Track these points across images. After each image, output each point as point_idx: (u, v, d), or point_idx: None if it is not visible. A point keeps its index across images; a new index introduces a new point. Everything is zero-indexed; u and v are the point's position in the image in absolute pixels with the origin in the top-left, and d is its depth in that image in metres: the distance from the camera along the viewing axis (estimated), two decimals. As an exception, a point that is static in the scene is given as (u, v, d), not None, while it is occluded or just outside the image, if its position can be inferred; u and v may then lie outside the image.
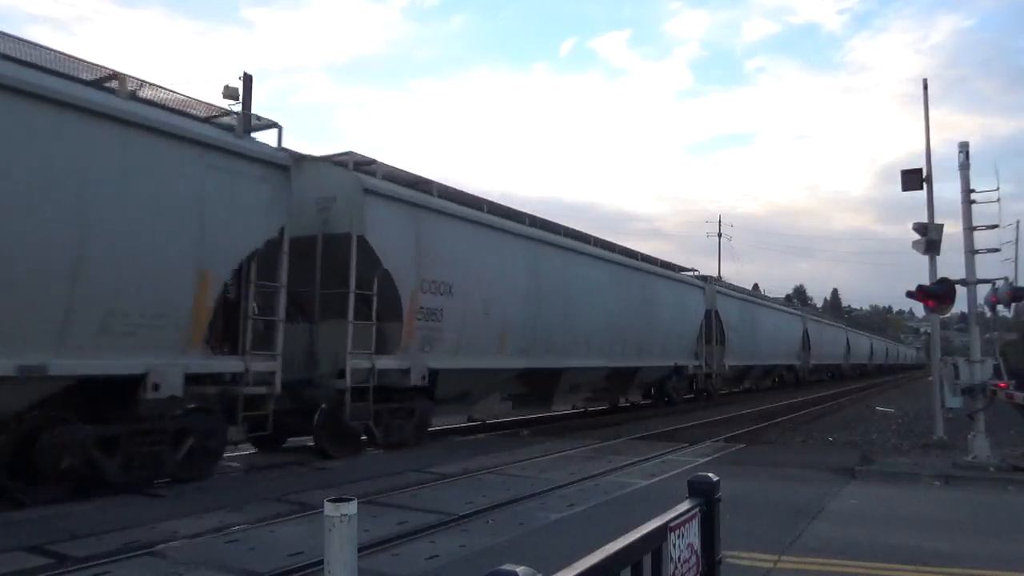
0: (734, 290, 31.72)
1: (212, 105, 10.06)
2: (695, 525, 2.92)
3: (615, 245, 21.13)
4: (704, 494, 3.06)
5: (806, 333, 41.22)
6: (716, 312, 26.76)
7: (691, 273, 27.12)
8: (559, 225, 18.19)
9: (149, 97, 9.12)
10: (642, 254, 22.71)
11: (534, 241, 16.43)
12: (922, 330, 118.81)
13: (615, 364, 19.79)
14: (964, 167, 11.44)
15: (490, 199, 15.94)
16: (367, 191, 11.93)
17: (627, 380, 21.74)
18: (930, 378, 15.71)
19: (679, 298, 24.08)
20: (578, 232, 19.10)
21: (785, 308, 41.90)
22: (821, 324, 48.24)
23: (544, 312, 16.27)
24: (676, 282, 24.44)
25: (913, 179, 13.82)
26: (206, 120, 9.88)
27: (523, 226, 16.49)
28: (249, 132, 10.28)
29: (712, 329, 26.51)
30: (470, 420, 17.17)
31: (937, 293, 11.93)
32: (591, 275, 18.59)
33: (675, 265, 25.70)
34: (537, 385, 17.47)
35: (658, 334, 22.13)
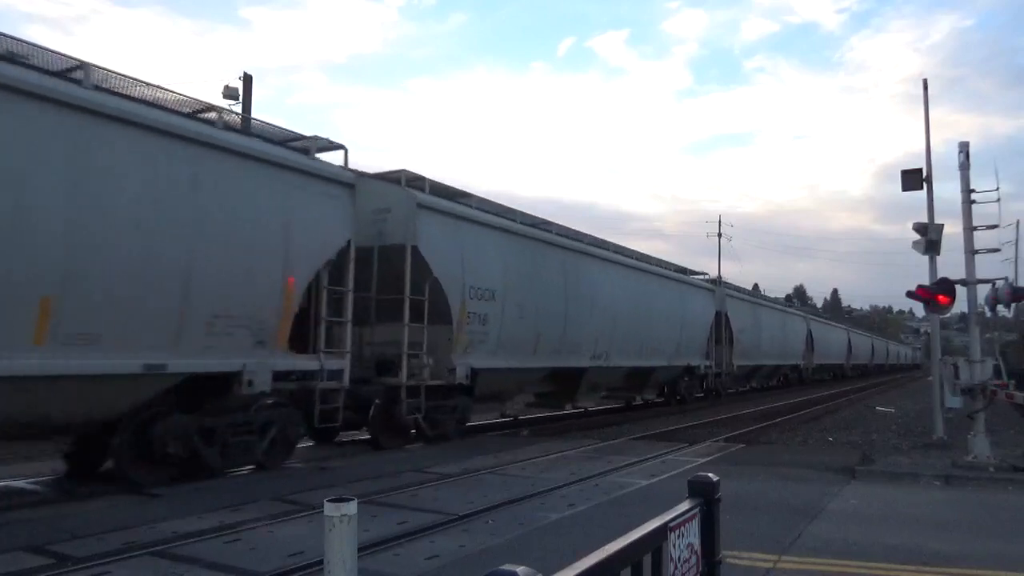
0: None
1: (284, 129, 10.95)
2: (695, 525, 2.92)
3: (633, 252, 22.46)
4: (704, 494, 3.07)
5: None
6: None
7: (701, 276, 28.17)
8: (577, 232, 19.34)
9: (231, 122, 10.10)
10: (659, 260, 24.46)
11: (568, 251, 17.88)
12: (922, 330, 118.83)
13: (632, 364, 20.67)
14: (964, 167, 11.43)
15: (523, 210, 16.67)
16: (420, 205, 12.98)
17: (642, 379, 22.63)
18: (929, 378, 15.69)
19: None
20: (600, 240, 20.57)
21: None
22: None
23: (572, 314, 17.39)
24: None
25: (913, 179, 13.83)
26: (281, 143, 10.64)
27: (553, 235, 17.78)
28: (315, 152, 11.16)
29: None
30: (502, 416, 18.51)
31: (937, 293, 11.94)
32: (618, 283, 20.04)
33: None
34: (561, 384, 18.43)
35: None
